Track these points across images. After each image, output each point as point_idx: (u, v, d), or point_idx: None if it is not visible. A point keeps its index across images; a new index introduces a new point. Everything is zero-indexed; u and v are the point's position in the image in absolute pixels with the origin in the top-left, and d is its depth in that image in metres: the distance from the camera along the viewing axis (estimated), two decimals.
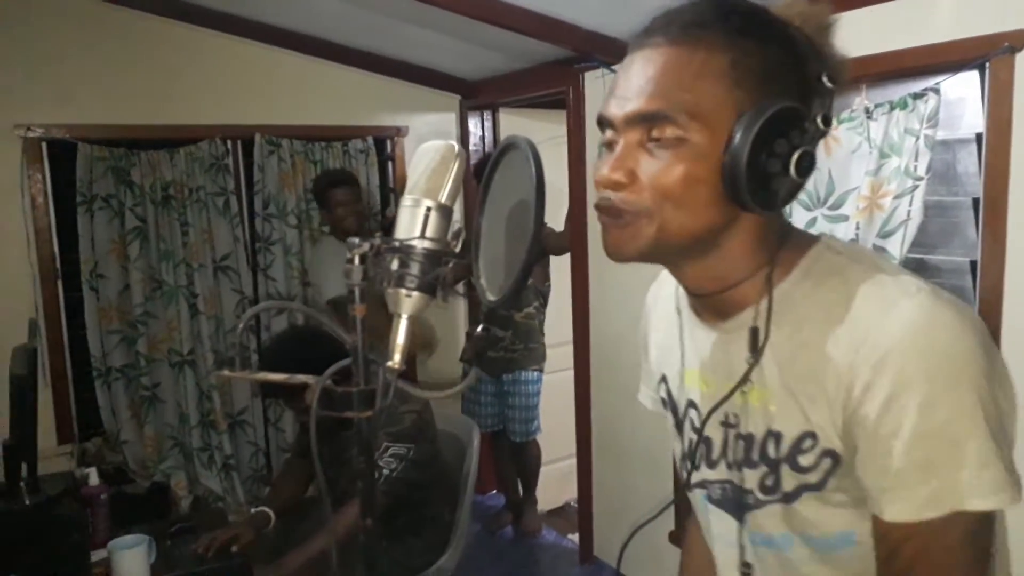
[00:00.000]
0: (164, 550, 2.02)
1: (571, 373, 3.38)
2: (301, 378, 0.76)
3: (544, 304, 3.63)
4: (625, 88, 0.75)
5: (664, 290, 0.98)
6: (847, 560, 0.79)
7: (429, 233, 0.75)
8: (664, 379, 0.97)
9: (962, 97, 1.95)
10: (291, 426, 3.53)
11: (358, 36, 3.36)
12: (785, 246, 0.79)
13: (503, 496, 3.92)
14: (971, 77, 1.86)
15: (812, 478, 0.77)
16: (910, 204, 1.94)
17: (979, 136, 1.87)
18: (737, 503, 0.85)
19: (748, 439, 0.82)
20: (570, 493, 3.75)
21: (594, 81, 2.92)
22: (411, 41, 3.27)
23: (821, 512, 0.78)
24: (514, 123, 3.81)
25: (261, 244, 3.49)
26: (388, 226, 3.80)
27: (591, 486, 3.35)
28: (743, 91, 0.72)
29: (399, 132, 3.76)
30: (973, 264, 1.92)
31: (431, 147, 0.78)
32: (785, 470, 0.78)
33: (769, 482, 0.81)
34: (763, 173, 0.71)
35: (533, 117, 3.79)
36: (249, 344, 3.47)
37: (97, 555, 1.96)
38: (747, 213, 0.74)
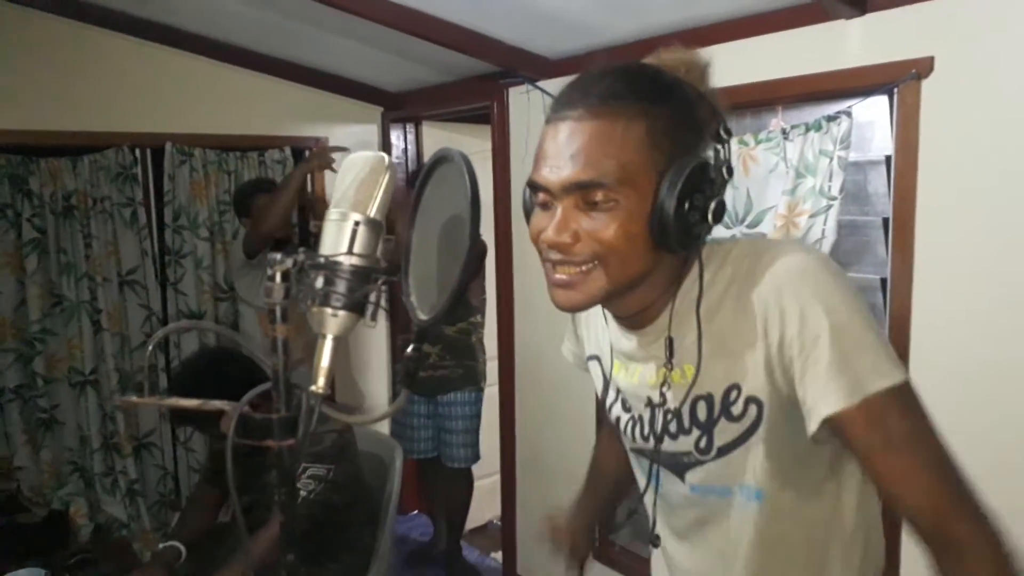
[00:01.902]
0: None
1: (495, 389, 3.35)
2: (216, 404, 0.71)
3: (482, 318, 3.39)
4: (556, 157, 0.85)
5: None
6: (761, 507, 0.96)
7: (357, 249, 0.71)
8: (597, 359, 1.13)
9: (872, 120, 2.03)
10: (202, 446, 3.38)
11: (276, 44, 3.27)
12: (688, 259, 0.94)
13: (431, 524, 3.76)
14: (881, 101, 1.93)
15: (744, 424, 0.91)
16: (824, 223, 2.00)
17: (888, 158, 1.95)
18: (677, 464, 1.01)
19: (676, 413, 0.96)
20: (493, 511, 3.71)
21: (518, 97, 2.91)
22: (332, 51, 3.20)
23: (749, 462, 0.93)
24: (438, 136, 3.78)
25: (171, 257, 3.34)
26: (305, 238, 3.71)
27: (515, 504, 3.32)
28: (659, 152, 0.83)
29: (318, 143, 3.67)
30: (884, 281, 1.99)
31: (359, 158, 0.74)
32: (721, 425, 0.92)
33: (703, 444, 0.95)
34: (687, 223, 0.83)
35: (457, 131, 3.76)
36: (157, 364, 3.31)
37: None
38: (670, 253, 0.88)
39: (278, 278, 0.68)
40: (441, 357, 3.24)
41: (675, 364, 0.93)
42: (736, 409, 0.90)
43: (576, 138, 0.83)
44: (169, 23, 3.10)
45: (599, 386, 1.13)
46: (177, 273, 3.35)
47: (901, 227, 1.88)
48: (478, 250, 0.81)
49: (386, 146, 3.81)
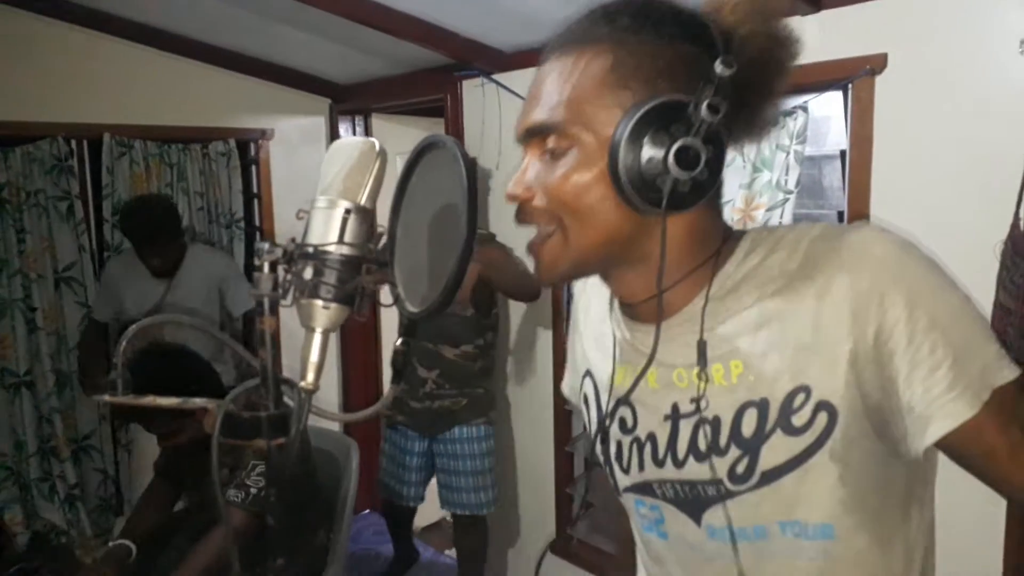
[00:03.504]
0: None
1: None
2: (199, 402, 0.67)
3: (494, 338, 2.80)
4: (525, 104, 0.77)
5: (598, 288, 0.93)
6: (828, 549, 0.76)
7: (348, 238, 0.68)
8: (590, 375, 0.93)
9: (827, 116, 2.07)
10: (149, 446, 3.26)
11: (221, 33, 3.17)
12: (724, 244, 0.78)
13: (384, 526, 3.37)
14: (835, 97, 1.97)
15: (807, 440, 0.72)
16: (781, 216, 2.03)
17: (843, 152, 1.99)
18: (696, 499, 0.80)
19: (715, 423, 0.76)
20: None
21: (473, 90, 2.89)
22: (279, 40, 3.11)
23: (807, 489, 0.73)
24: (388, 129, 3.73)
25: (110, 253, 3.21)
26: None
27: None
28: (628, 91, 0.71)
29: (264, 135, 3.58)
30: None
31: (348, 143, 0.71)
32: (773, 441, 0.73)
33: (741, 468, 0.75)
34: (645, 172, 0.69)
35: (408, 124, 3.72)
36: (119, 361, 3.18)
37: None
38: (670, 217, 0.72)
39: (266, 268, 0.65)
40: (439, 385, 2.67)
41: (712, 361, 0.75)
42: (799, 419, 0.71)
43: (540, 82, 0.75)
44: (107, 10, 2.97)
45: (591, 410, 0.93)
46: None
47: (856, 220, 1.92)
48: (475, 239, 0.75)
49: (334, 139, 3.73)
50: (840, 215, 2.03)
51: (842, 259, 0.70)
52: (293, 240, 0.67)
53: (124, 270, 2.94)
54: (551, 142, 0.73)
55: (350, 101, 3.66)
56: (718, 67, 0.68)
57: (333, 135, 3.74)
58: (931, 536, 0.81)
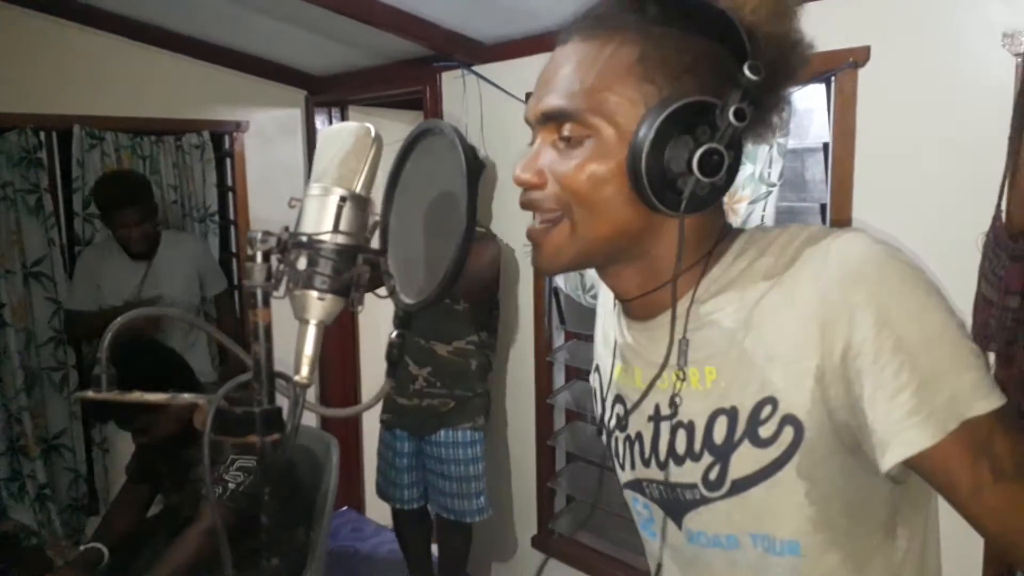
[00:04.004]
0: None
1: None
2: (187, 397, 0.64)
3: (491, 338, 2.69)
4: (540, 86, 0.75)
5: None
6: (796, 567, 0.74)
7: (343, 226, 0.65)
8: (598, 369, 0.94)
9: (810, 108, 2.07)
10: (124, 445, 3.20)
11: (195, 23, 3.10)
12: (717, 244, 0.77)
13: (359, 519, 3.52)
14: (818, 89, 1.97)
15: (773, 453, 0.70)
16: (764, 209, 2.03)
17: (826, 145, 1.99)
18: (677, 501, 0.79)
19: (690, 428, 0.76)
20: None
21: (452, 81, 2.86)
22: (254, 31, 3.06)
23: (774, 503, 0.72)
24: (365, 121, 3.68)
25: (81, 247, 3.13)
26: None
27: None
28: (653, 86, 0.69)
29: (239, 127, 3.52)
30: None
31: (343, 129, 0.68)
32: (742, 451, 0.72)
33: (713, 475, 0.74)
34: (667, 172, 0.69)
35: (386, 116, 3.68)
36: (68, 360, 3.11)
37: None
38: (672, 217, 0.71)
39: (259, 258, 0.62)
40: (430, 383, 2.59)
41: (690, 364, 0.74)
42: (766, 430, 0.70)
43: (560, 65, 0.73)
44: None
45: (596, 404, 0.94)
46: None
47: (838, 213, 1.93)
48: (474, 228, 0.73)
49: (310, 131, 3.69)
50: (823, 208, 2.03)
51: (819, 269, 0.68)
52: (286, 229, 0.64)
53: (100, 258, 2.91)
54: (567, 129, 0.72)
55: (326, 93, 3.62)
56: (747, 72, 0.67)
57: (309, 127, 3.69)
58: (929, 561, 0.78)
